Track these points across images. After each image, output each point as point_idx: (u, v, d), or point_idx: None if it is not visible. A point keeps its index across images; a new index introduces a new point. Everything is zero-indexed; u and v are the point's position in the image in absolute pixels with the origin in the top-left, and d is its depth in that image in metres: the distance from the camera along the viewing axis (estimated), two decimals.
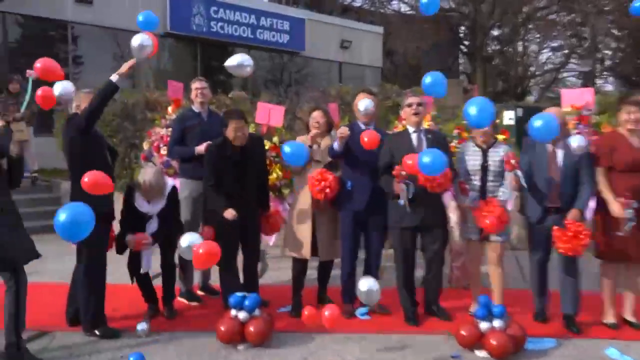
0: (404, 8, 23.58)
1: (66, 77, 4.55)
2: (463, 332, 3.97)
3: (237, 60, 4.32)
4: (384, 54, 19.83)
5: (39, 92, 4.43)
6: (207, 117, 4.99)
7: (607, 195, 4.25)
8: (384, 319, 4.60)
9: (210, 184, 4.39)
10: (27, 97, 7.36)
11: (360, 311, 4.66)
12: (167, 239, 4.52)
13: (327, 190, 4.36)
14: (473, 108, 3.66)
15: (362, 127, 4.57)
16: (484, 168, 4.38)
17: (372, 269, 4.67)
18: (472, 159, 4.45)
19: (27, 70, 4.86)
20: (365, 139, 4.22)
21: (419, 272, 4.81)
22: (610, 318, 4.47)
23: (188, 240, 3.88)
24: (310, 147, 4.60)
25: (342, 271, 4.70)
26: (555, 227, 4.18)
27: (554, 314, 4.50)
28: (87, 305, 4.11)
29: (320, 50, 17.34)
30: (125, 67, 3.90)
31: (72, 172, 4.06)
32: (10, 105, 8.20)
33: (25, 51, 11.90)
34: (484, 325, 3.92)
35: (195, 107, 5.00)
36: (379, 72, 19.38)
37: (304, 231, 4.60)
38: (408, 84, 13.53)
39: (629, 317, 4.49)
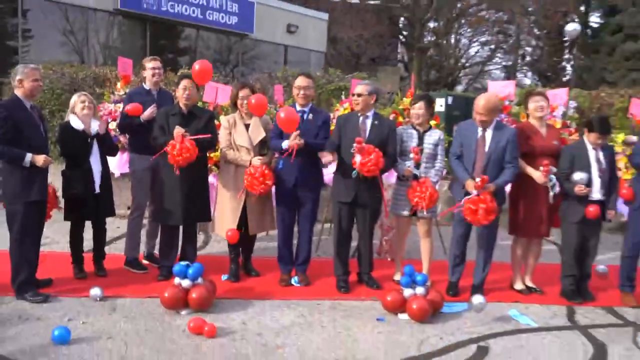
0: None
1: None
2: (388, 298, 4.12)
3: None
4: (328, 40, 19.75)
5: None
6: (157, 95, 4.90)
7: (528, 169, 4.43)
8: (318, 287, 4.68)
9: (153, 136, 4.44)
10: None
11: (295, 279, 4.72)
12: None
13: (264, 185, 4.35)
14: None
15: (298, 108, 4.53)
16: (420, 150, 4.51)
17: (303, 240, 4.70)
18: (410, 141, 4.57)
19: None
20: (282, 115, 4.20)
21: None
22: (519, 285, 4.79)
23: None
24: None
25: (279, 241, 4.71)
26: (465, 199, 4.23)
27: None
28: (17, 271, 4.07)
29: (267, 34, 17.03)
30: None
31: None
32: None
33: None
34: (407, 292, 4.07)
35: (147, 85, 4.89)
36: (323, 57, 19.27)
37: (229, 218, 4.61)
38: (350, 69, 13.55)
39: (529, 283, 4.84)
